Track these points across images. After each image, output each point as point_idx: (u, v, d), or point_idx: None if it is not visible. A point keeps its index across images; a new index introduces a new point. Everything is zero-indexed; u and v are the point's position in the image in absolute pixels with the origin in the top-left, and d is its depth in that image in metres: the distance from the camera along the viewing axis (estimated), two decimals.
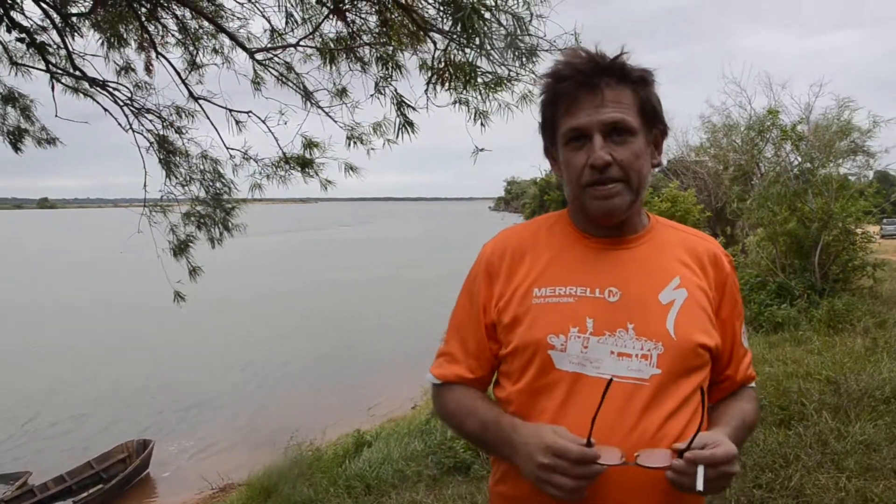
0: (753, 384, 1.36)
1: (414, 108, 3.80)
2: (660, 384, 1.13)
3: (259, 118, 5.01)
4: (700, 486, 0.99)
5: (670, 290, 1.19)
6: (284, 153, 5.18)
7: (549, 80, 1.21)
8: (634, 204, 1.19)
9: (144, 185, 5.35)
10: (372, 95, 3.99)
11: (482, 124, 3.54)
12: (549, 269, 1.23)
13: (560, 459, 1.02)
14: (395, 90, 3.94)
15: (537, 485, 1.06)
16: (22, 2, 4.14)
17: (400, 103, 3.88)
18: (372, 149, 4.72)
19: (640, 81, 1.18)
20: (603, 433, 1.06)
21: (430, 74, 3.60)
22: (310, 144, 5.10)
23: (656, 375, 1.13)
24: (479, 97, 3.45)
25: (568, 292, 1.19)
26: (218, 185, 5.62)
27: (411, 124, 3.87)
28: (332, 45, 4.15)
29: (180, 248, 5.51)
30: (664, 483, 1.05)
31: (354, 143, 4.75)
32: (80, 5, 4.83)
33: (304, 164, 5.18)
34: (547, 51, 3.21)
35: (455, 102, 3.52)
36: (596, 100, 1.14)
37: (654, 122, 1.21)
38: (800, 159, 9.76)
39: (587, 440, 1.02)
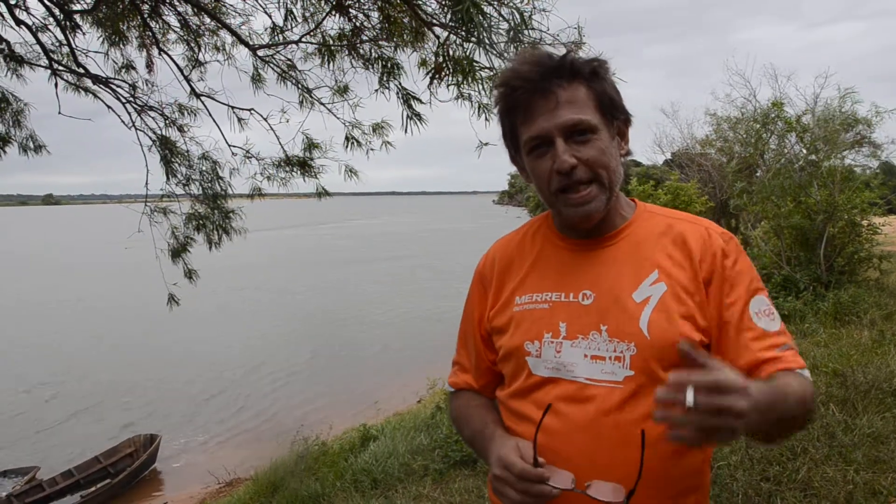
0: (804, 372, 1.13)
1: (421, 101, 3.78)
2: (635, 385, 1.11)
3: (261, 115, 5.02)
4: (690, 400, 0.81)
5: (646, 286, 1.15)
6: (287, 153, 5.19)
7: (501, 91, 1.18)
8: (610, 201, 1.17)
9: (146, 184, 5.38)
10: (377, 90, 3.98)
11: (486, 118, 3.52)
12: (529, 276, 1.25)
13: (507, 472, 1.06)
14: (400, 83, 3.93)
15: (495, 493, 1.11)
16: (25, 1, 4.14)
17: (406, 96, 3.87)
18: (371, 149, 4.77)
19: (592, 75, 1.14)
20: (581, 437, 1.11)
21: (429, 70, 3.58)
22: (310, 146, 5.10)
23: (630, 377, 1.11)
24: (482, 91, 3.42)
25: (544, 298, 1.21)
26: (217, 186, 5.64)
27: (419, 116, 3.85)
28: (332, 42, 4.14)
29: (178, 251, 5.54)
30: None
31: (352, 144, 4.79)
32: (82, 3, 4.83)
33: (304, 166, 5.20)
34: (550, 45, 3.18)
35: (457, 98, 3.50)
36: (550, 104, 1.11)
37: (614, 113, 1.17)
38: (804, 151, 9.69)
39: (534, 459, 1.05)
